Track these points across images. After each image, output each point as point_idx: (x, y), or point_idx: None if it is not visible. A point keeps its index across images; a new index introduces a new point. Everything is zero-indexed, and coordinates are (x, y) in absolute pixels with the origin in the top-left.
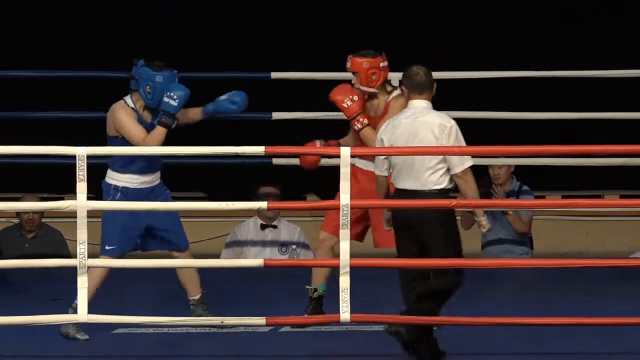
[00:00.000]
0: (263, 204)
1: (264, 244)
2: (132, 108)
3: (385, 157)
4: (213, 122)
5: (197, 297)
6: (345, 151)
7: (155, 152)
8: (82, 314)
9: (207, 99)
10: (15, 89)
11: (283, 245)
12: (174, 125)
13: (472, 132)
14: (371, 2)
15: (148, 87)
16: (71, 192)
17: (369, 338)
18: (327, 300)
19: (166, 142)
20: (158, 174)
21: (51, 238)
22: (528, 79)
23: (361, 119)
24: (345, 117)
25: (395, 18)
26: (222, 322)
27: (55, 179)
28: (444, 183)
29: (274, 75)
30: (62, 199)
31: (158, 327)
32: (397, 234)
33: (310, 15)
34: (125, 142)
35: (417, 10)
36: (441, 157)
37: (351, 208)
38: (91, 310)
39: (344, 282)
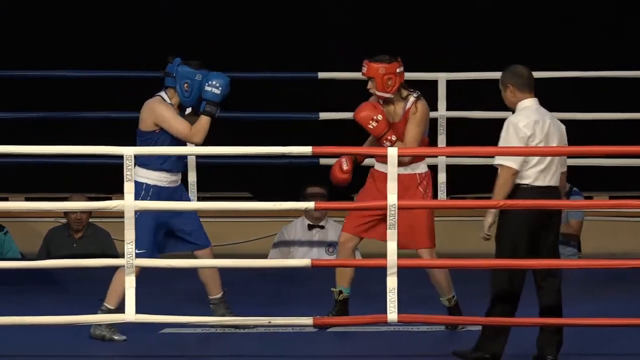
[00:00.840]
0: (310, 204)
1: (311, 244)
2: (169, 104)
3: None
4: (258, 122)
5: (219, 296)
6: (392, 151)
7: (203, 152)
8: (130, 314)
9: (254, 99)
10: (63, 89)
11: (330, 245)
12: (217, 114)
13: None
14: (420, 3)
15: (186, 84)
16: (119, 192)
17: (416, 338)
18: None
19: (211, 143)
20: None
21: (99, 238)
22: (573, 79)
23: (389, 137)
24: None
25: (444, 19)
26: (269, 322)
27: (103, 179)
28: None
29: (321, 75)
30: (110, 198)
31: (204, 326)
32: (522, 233)
33: (354, 16)
34: (162, 136)
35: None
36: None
37: (398, 209)
38: (140, 309)
39: (391, 282)
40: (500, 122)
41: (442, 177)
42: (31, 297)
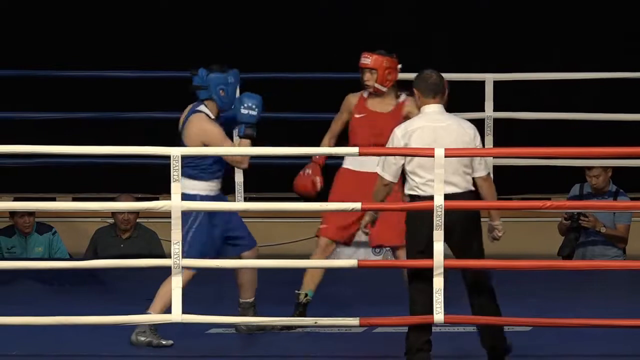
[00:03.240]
0: (357, 205)
1: (357, 244)
2: (214, 120)
3: (395, 162)
4: (304, 123)
5: (251, 300)
6: (439, 152)
7: (249, 153)
8: (177, 314)
9: (302, 99)
10: (111, 89)
11: (377, 246)
12: (255, 134)
13: (568, 135)
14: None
15: (222, 91)
16: (166, 192)
17: (459, 339)
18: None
19: (256, 144)
20: None
21: (146, 238)
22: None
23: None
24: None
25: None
26: (315, 323)
27: (151, 179)
28: (472, 185)
29: None
30: (157, 199)
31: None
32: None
33: (387, 16)
34: (210, 157)
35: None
36: (469, 160)
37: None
38: (186, 310)
39: (438, 283)
40: (546, 123)
41: None
42: (78, 297)
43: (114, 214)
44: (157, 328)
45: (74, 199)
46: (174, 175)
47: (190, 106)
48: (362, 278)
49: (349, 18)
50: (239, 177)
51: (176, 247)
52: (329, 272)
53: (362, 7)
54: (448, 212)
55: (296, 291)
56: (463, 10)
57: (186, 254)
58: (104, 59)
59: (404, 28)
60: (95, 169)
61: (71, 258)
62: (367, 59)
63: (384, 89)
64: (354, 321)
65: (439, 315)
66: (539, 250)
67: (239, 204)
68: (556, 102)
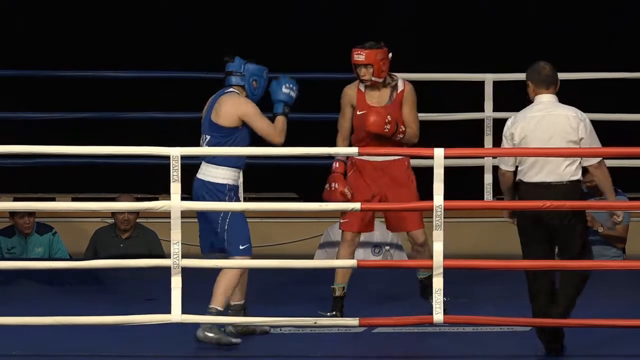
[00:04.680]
0: (357, 205)
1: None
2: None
3: (508, 147)
4: (304, 123)
5: (241, 302)
6: (439, 152)
7: (249, 153)
8: (176, 314)
9: (303, 99)
10: (111, 89)
11: (376, 246)
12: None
13: None
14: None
15: (254, 82)
16: (166, 192)
17: (460, 339)
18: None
19: (256, 143)
20: None
21: (146, 238)
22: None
23: (401, 129)
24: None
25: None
26: (315, 323)
27: (150, 180)
28: (578, 174)
29: None
30: (157, 199)
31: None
32: (525, 229)
33: (386, 16)
34: (243, 132)
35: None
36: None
37: (445, 209)
38: (185, 310)
39: (437, 283)
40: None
41: (488, 178)
42: (78, 297)
43: (113, 214)
44: (223, 325)
45: (74, 199)
46: (173, 175)
47: (214, 95)
48: (362, 278)
49: (349, 18)
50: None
51: (176, 247)
52: (328, 272)
53: (362, 7)
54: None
55: (332, 286)
56: (463, 11)
57: (233, 242)
58: (104, 59)
59: (404, 28)
60: (94, 169)
61: (71, 258)
62: (361, 56)
63: (380, 80)
64: (353, 321)
65: (438, 315)
66: None
67: (238, 204)
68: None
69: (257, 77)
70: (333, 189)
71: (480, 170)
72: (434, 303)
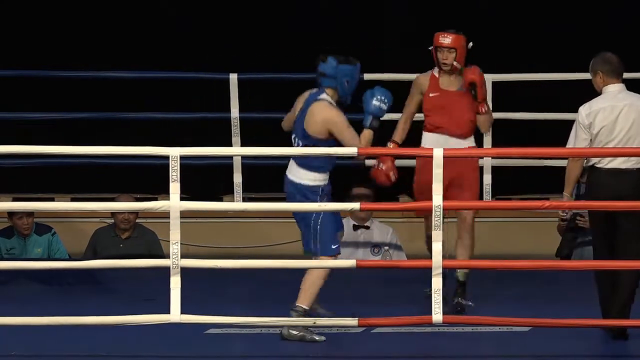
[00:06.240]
0: (356, 205)
1: (356, 244)
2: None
3: (585, 138)
4: None
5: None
6: (438, 152)
7: (249, 153)
8: (176, 314)
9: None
10: (110, 89)
11: (375, 246)
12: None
13: (567, 135)
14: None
15: (347, 82)
16: (165, 192)
17: (459, 339)
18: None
19: (257, 144)
20: None
21: (145, 238)
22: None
23: (485, 104)
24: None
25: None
26: (314, 323)
27: (150, 180)
28: None
29: (367, 76)
30: (156, 199)
31: (250, 327)
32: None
33: (403, 16)
34: (332, 143)
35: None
36: None
37: (444, 209)
38: (185, 310)
39: (436, 283)
40: (545, 123)
41: (487, 178)
42: (78, 297)
43: (113, 214)
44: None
45: (73, 199)
46: (172, 175)
47: (307, 93)
48: (362, 278)
49: (349, 18)
50: (237, 178)
51: (175, 248)
52: (332, 272)
53: (363, 8)
54: (618, 189)
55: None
56: (463, 11)
57: (327, 237)
58: (104, 59)
59: (404, 28)
60: (94, 169)
61: (70, 258)
62: (448, 39)
63: (460, 67)
64: (352, 321)
65: (437, 315)
66: (538, 250)
67: (238, 204)
68: (556, 102)
69: (349, 77)
70: (380, 168)
71: (480, 170)
72: (432, 303)
